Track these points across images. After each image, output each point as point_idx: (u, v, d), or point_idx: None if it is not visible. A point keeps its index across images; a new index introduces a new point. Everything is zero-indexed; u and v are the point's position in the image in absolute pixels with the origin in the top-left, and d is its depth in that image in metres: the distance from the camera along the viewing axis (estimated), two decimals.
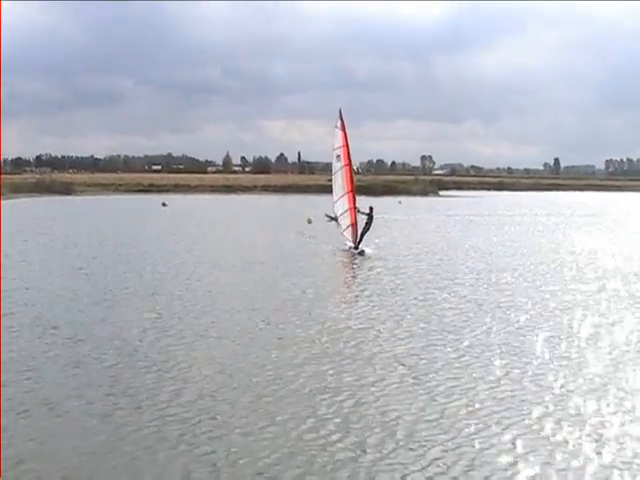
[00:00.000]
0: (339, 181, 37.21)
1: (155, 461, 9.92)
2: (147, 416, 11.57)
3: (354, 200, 35.49)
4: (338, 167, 37.35)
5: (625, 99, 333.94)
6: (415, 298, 22.05)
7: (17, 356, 14.90)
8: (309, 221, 50.28)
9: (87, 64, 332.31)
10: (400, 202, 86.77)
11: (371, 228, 35.86)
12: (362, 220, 35.53)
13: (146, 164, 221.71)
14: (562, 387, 13.19)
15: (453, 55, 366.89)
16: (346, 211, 35.78)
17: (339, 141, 37.22)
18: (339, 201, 37.19)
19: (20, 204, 79.26)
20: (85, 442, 10.52)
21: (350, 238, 35.49)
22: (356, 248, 34.54)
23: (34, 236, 41.73)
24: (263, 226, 49.05)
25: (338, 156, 37.35)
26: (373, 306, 20.88)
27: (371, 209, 35.62)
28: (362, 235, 35.17)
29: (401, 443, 10.52)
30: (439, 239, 43.07)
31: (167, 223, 54.67)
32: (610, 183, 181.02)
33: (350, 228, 35.44)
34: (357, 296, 22.97)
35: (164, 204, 76.98)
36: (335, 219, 38.03)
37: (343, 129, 36.80)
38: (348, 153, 36.40)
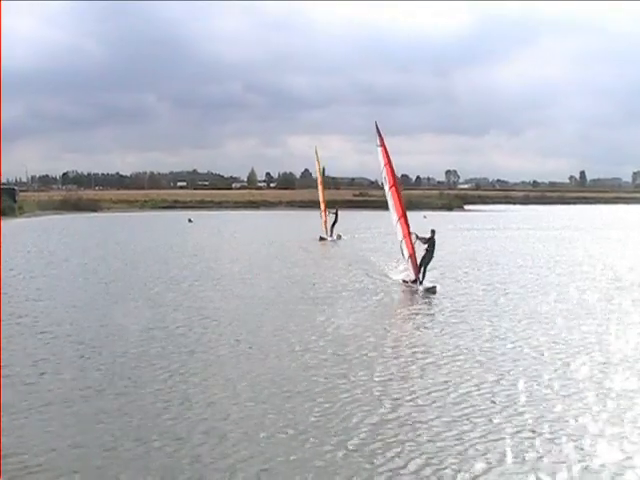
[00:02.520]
0: (391, 209, 31.40)
1: None
2: None
3: (408, 226, 29.84)
4: (386, 190, 31.59)
5: None
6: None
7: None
8: (339, 237, 53.18)
9: (110, 81, 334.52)
10: (425, 217, 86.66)
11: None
12: (418, 246, 29.57)
13: (171, 180, 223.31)
14: None
15: (473, 68, 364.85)
16: (401, 241, 30.39)
17: (381, 160, 31.22)
18: (396, 230, 31.29)
19: (46, 221, 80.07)
20: None
21: (410, 271, 29.88)
22: (417, 282, 28.66)
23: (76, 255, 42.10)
24: (302, 251, 45.34)
25: (385, 178, 31.52)
26: None
27: (433, 233, 29.46)
28: (423, 267, 29.06)
29: None
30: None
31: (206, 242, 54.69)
32: (637, 195, 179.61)
33: (410, 260, 29.72)
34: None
35: (190, 220, 77.34)
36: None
37: (383, 144, 30.75)
38: (392, 172, 30.83)
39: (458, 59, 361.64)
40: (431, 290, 27.28)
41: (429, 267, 29.33)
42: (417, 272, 28.89)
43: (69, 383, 14.67)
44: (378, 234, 55.32)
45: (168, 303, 24.34)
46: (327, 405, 13.21)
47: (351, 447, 11.21)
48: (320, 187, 56.37)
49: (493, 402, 13.45)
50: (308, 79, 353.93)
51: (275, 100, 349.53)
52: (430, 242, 28.88)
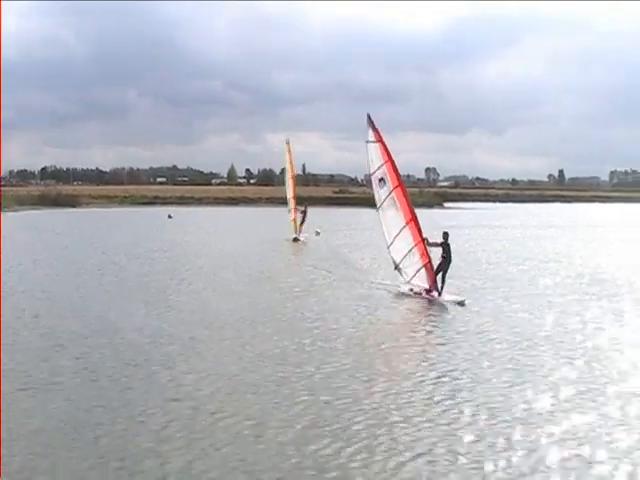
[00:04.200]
0: (390, 213, 27.40)
1: None
2: None
3: (420, 230, 26.18)
4: (384, 194, 27.24)
5: (628, 110, 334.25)
6: None
7: None
8: (317, 233, 52.45)
9: (91, 76, 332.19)
10: None
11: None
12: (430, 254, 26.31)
13: (151, 176, 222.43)
14: None
15: (457, 66, 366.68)
16: (411, 250, 26.33)
17: (378, 157, 27.15)
18: (397, 242, 27.15)
19: (23, 217, 79.72)
20: None
21: (421, 284, 26.21)
22: (430, 292, 25.76)
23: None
24: (285, 251, 45.11)
25: (381, 180, 27.29)
26: None
27: (446, 236, 26.12)
28: (442, 276, 25.73)
29: None
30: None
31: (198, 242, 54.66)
32: (615, 194, 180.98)
33: (424, 270, 26.03)
34: None
35: (170, 216, 77.23)
36: (396, 267, 27.51)
37: (380, 140, 26.85)
38: (395, 169, 26.85)
39: (442, 58, 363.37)
40: (460, 303, 24.09)
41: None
42: (434, 282, 25.55)
43: None
44: (367, 236, 54.99)
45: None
46: None
47: None
48: (291, 182, 52.53)
49: None
50: (290, 76, 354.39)
51: (256, 97, 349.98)
52: (444, 248, 25.76)
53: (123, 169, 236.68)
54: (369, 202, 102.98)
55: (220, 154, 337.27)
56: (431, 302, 24.99)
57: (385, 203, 27.32)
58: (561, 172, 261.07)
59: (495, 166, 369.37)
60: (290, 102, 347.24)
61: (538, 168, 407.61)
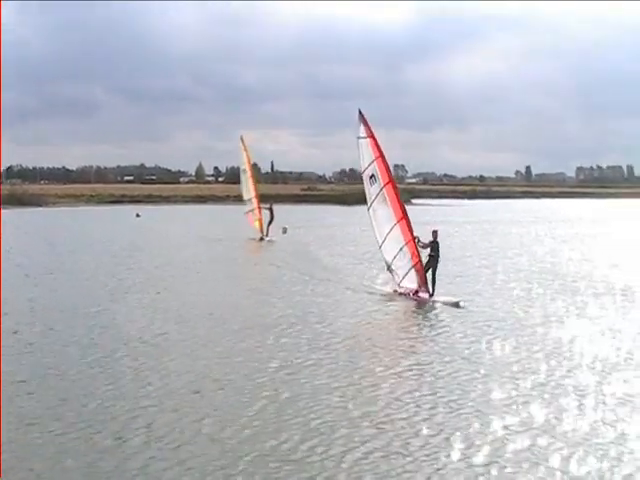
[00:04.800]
0: (381, 212, 26.39)
1: None
2: None
3: (410, 229, 25.20)
4: (375, 191, 26.31)
5: (593, 106, 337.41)
6: None
7: None
8: (284, 230, 50.40)
9: (56, 72, 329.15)
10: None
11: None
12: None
13: (118, 174, 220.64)
14: None
15: (423, 63, 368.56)
16: (401, 249, 25.38)
17: (369, 154, 26.24)
18: (388, 242, 26.15)
19: None
20: None
21: (410, 285, 25.44)
22: (418, 293, 25.05)
23: None
24: (251, 250, 45.34)
25: (372, 176, 26.30)
26: None
27: (435, 235, 25.59)
28: (432, 275, 25.15)
29: None
30: None
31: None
32: (581, 190, 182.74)
33: (413, 270, 25.21)
34: None
35: (138, 215, 76.77)
36: (388, 268, 26.44)
37: (371, 135, 25.99)
38: (386, 165, 26.09)
39: (408, 54, 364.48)
40: (455, 305, 23.30)
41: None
42: (425, 283, 24.88)
43: None
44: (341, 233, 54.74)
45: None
46: None
47: None
48: (251, 180, 50.26)
49: None
50: (257, 72, 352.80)
51: (225, 94, 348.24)
52: (433, 246, 25.27)
53: (91, 167, 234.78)
54: (337, 199, 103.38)
55: (188, 152, 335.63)
56: (421, 303, 24.30)
57: (376, 201, 26.36)
58: (528, 168, 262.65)
59: (463, 163, 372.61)
60: (258, 99, 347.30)
61: (505, 164, 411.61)
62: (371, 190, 26.46)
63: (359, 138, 26.33)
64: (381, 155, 25.78)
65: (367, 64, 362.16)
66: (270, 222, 48.14)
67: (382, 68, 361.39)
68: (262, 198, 49.83)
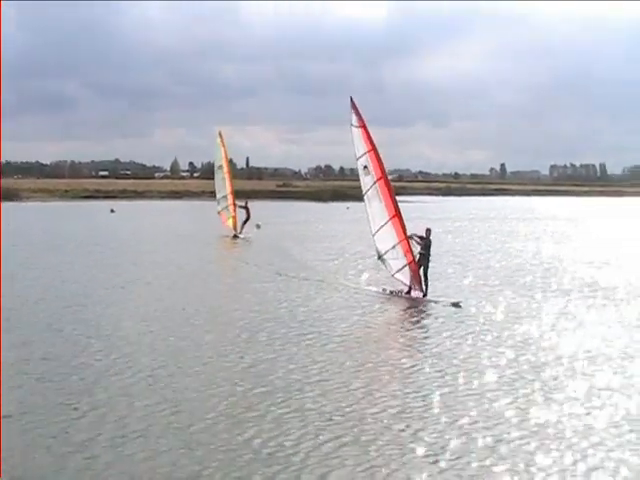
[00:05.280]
0: (375, 204, 25.96)
1: None
2: None
3: (403, 227, 24.95)
4: (369, 183, 25.94)
5: (567, 104, 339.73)
6: None
7: None
8: (257, 226, 50.22)
9: (30, 67, 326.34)
10: (348, 208, 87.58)
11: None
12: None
13: (93, 169, 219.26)
14: None
15: (401, 59, 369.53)
16: (395, 246, 25.06)
17: (362, 145, 25.85)
18: (381, 233, 25.89)
19: None
20: None
21: (405, 281, 25.12)
22: (411, 292, 24.75)
23: None
24: (224, 247, 44.70)
25: (365, 167, 25.95)
26: None
27: (428, 233, 24.89)
28: (424, 274, 24.72)
29: None
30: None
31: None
32: (555, 188, 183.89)
33: (407, 268, 24.81)
34: None
35: (112, 210, 76.22)
36: (380, 257, 26.32)
37: (363, 125, 25.65)
38: (379, 159, 25.50)
39: (386, 50, 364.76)
40: (456, 305, 22.80)
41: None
42: (419, 281, 24.44)
43: None
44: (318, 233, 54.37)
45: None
46: None
47: None
48: (227, 177, 48.51)
49: None
50: (234, 68, 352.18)
51: (200, 89, 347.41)
52: (425, 244, 24.63)
53: (65, 162, 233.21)
54: (312, 195, 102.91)
55: (163, 147, 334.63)
56: (414, 301, 23.96)
57: (370, 192, 25.93)
58: (503, 166, 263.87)
59: (438, 160, 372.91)
60: (234, 95, 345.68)
61: (480, 162, 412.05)
62: (365, 180, 26.12)
63: (352, 126, 25.87)
64: (373, 149, 25.30)
65: (344, 60, 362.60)
66: (245, 221, 46.64)
67: (359, 64, 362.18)
68: (237, 195, 48.35)
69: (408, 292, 24.71)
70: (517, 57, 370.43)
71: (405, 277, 25.01)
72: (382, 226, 25.61)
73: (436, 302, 23.39)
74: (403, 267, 24.94)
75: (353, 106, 25.66)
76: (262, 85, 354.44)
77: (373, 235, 26.33)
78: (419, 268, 24.51)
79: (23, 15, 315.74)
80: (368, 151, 25.40)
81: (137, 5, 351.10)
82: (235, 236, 46.14)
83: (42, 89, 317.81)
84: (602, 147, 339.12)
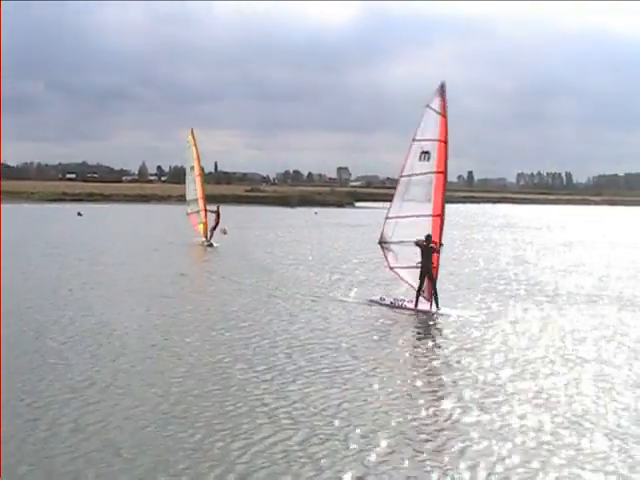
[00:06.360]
0: (416, 191, 24.16)
1: None
2: None
3: (441, 230, 23.53)
4: (422, 169, 23.93)
5: (533, 113, 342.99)
6: None
7: None
8: (224, 232, 48.87)
9: None
10: (316, 213, 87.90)
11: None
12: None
13: (60, 172, 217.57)
14: None
15: (365, 66, 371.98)
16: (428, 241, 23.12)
17: (434, 131, 23.73)
18: (406, 222, 24.10)
19: None
20: None
21: (410, 281, 24.05)
22: (417, 302, 23.24)
23: None
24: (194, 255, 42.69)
25: (426, 153, 23.87)
26: None
27: (428, 239, 23.15)
28: (420, 284, 23.31)
29: None
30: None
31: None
32: (521, 196, 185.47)
33: (419, 270, 23.32)
34: None
35: (79, 213, 75.73)
36: (382, 242, 24.91)
37: (445, 115, 23.60)
38: (446, 155, 23.76)
39: (350, 57, 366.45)
40: (472, 317, 21.96)
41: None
42: (430, 291, 23.14)
43: None
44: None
45: None
46: None
47: None
48: (198, 179, 46.85)
49: None
50: (201, 73, 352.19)
51: (167, 93, 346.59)
52: (423, 252, 23.09)
53: (31, 164, 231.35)
54: (281, 200, 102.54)
55: (131, 151, 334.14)
56: (426, 314, 22.49)
57: (417, 178, 23.97)
58: (470, 173, 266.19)
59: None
60: (201, 99, 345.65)
61: (448, 169, 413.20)
62: (417, 164, 23.97)
63: (429, 108, 23.65)
64: (446, 142, 23.52)
65: (309, 66, 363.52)
66: (215, 227, 44.86)
67: (324, 70, 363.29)
68: (208, 199, 47.08)
69: (416, 303, 23.18)
70: (483, 65, 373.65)
71: (412, 278, 23.68)
72: (413, 216, 23.81)
73: (459, 318, 21.94)
74: (412, 267, 23.50)
75: (442, 92, 23.64)
76: (227, 90, 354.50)
77: (388, 218, 24.63)
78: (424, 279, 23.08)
79: None
80: (439, 141, 23.49)
81: (103, 6, 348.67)
82: (210, 244, 43.90)
83: (7, 90, 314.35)
84: (568, 156, 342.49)
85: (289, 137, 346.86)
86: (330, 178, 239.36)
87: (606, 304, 25.22)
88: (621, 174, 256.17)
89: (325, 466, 10.46)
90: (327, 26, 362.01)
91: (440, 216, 23.45)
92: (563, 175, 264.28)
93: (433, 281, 23.07)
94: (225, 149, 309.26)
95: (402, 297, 24.24)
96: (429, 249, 22.97)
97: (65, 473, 10.12)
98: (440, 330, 20.66)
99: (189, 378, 14.81)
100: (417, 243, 23.00)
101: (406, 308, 23.29)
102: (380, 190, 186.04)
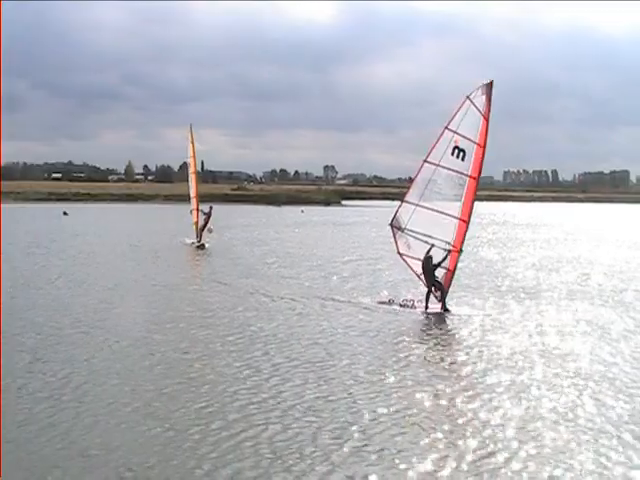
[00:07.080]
0: (446, 188, 23.28)
1: None
2: None
3: (464, 235, 23.00)
4: (453, 164, 22.90)
5: (518, 111, 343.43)
6: None
7: None
8: (210, 230, 46.18)
9: None
10: (303, 211, 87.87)
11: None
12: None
13: (45, 172, 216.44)
14: None
15: (352, 65, 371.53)
16: (440, 244, 22.76)
17: (473, 131, 22.74)
18: (427, 214, 23.28)
19: None
20: None
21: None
22: (425, 305, 22.75)
23: None
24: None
25: (461, 151, 22.83)
26: None
27: (428, 249, 22.83)
28: (428, 291, 22.92)
29: None
30: None
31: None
32: (507, 194, 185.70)
33: (444, 277, 22.94)
34: None
35: (65, 213, 75.30)
36: (396, 224, 23.86)
37: (487, 118, 22.63)
38: (482, 160, 23.02)
39: (337, 56, 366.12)
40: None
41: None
42: (443, 294, 22.70)
43: None
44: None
45: None
46: None
47: None
48: (193, 177, 46.34)
49: None
50: (186, 72, 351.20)
51: (153, 92, 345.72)
52: (426, 259, 22.65)
53: (17, 164, 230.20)
54: (267, 199, 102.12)
55: (117, 150, 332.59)
56: (438, 315, 22.18)
57: (448, 173, 22.97)
58: None
59: (393, 165, 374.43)
60: (187, 98, 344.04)
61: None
62: (448, 156, 22.81)
63: (473, 105, 22.61)
64: (484, 147, 22.56)
65: (295, 65, 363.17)
66: (203, 227, 43.06)
67: (310, 69, 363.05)
68: (200, 199, 45.27)
69: (426, 305, 22.66)
70: (468, 64, 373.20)
71: (420, 270, 22.88)
72: (436, 211, 23.02)
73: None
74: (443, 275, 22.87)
75: (488, 92, 22.63)
76: (214, 89, 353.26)
77: (407, 202, 23.57)
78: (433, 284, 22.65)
79: None
80: (478, 144, 22.47)
81: (88, 5, 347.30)
82: (202, 245, 42.75)
83: None
84: (554, 154, 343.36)
85: (276, 136, 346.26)
86: (317, 177, 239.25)
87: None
88: (607, 172, 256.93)
89: (293, 463, 10.54)
90: (313, 25, 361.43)
91: (466, 222, 22.81)
92: (549, 173, 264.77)
93: (441, 288, 22.63)
94: (212, 148, 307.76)
95: (411, 297, 23.42)
96: (430, 267, 22.42)
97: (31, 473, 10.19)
98: (430, 326, 20.98)
99: (162, 376, 14.91)
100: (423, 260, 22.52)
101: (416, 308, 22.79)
102: (367, 188, 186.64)
